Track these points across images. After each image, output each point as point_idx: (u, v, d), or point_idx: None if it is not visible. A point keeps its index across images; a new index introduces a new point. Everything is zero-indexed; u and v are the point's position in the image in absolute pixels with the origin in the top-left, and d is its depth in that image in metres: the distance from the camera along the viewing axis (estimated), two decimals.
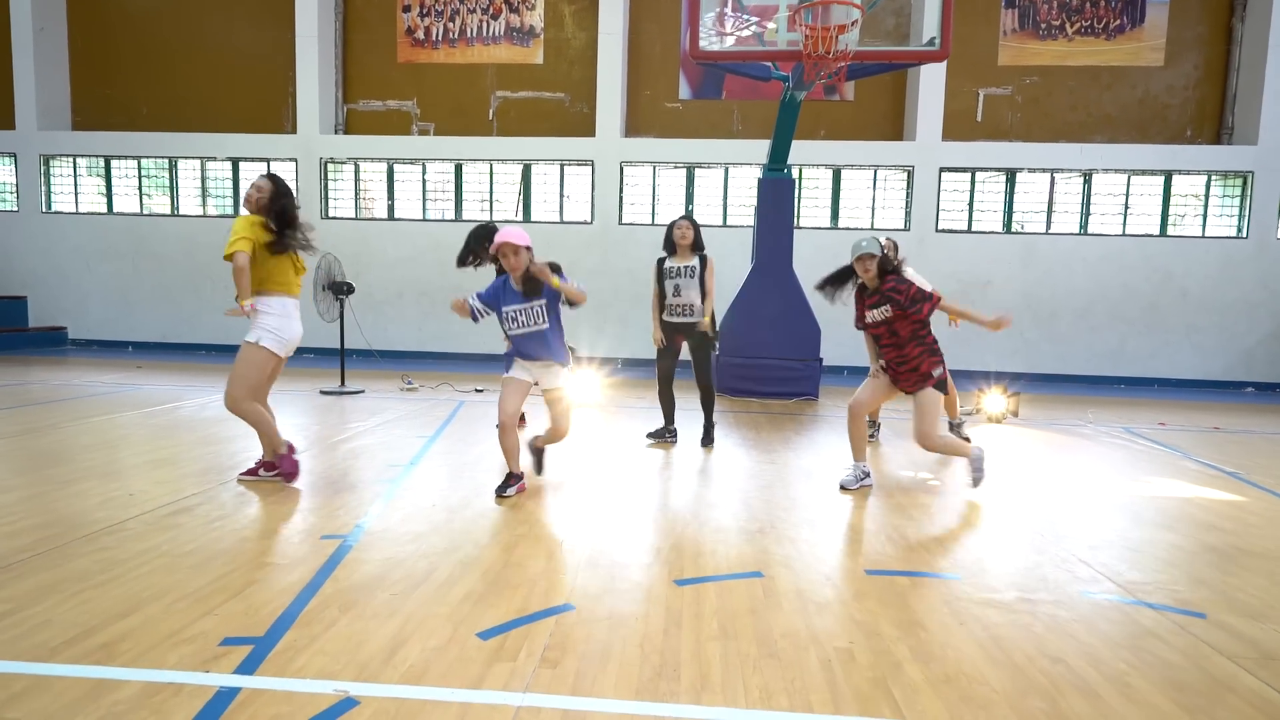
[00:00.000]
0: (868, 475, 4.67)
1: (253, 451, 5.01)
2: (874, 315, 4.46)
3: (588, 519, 3.81)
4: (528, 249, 4.00)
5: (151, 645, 2.30)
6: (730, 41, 7.14)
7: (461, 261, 5.99)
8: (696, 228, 5.69)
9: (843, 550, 3.44)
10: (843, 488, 4.60)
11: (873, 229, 12.09)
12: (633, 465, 5.13)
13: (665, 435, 5.96)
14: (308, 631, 2.42)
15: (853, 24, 5.88)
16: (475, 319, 4.14)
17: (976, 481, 4.51)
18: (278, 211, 4.16)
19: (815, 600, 2.83)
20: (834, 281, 4.57)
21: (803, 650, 2.41)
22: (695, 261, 5.64)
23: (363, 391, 8.37)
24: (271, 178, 4.24)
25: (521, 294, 4.07)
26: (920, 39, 6.42)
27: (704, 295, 5.61)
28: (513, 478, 4.21)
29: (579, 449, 5.60)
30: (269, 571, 2.94)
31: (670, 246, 5.72)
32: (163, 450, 5.05)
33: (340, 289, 8.17)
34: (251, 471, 4.34)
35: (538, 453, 4.61)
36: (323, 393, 8.21)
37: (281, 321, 4.22)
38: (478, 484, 4.43)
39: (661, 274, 5.75)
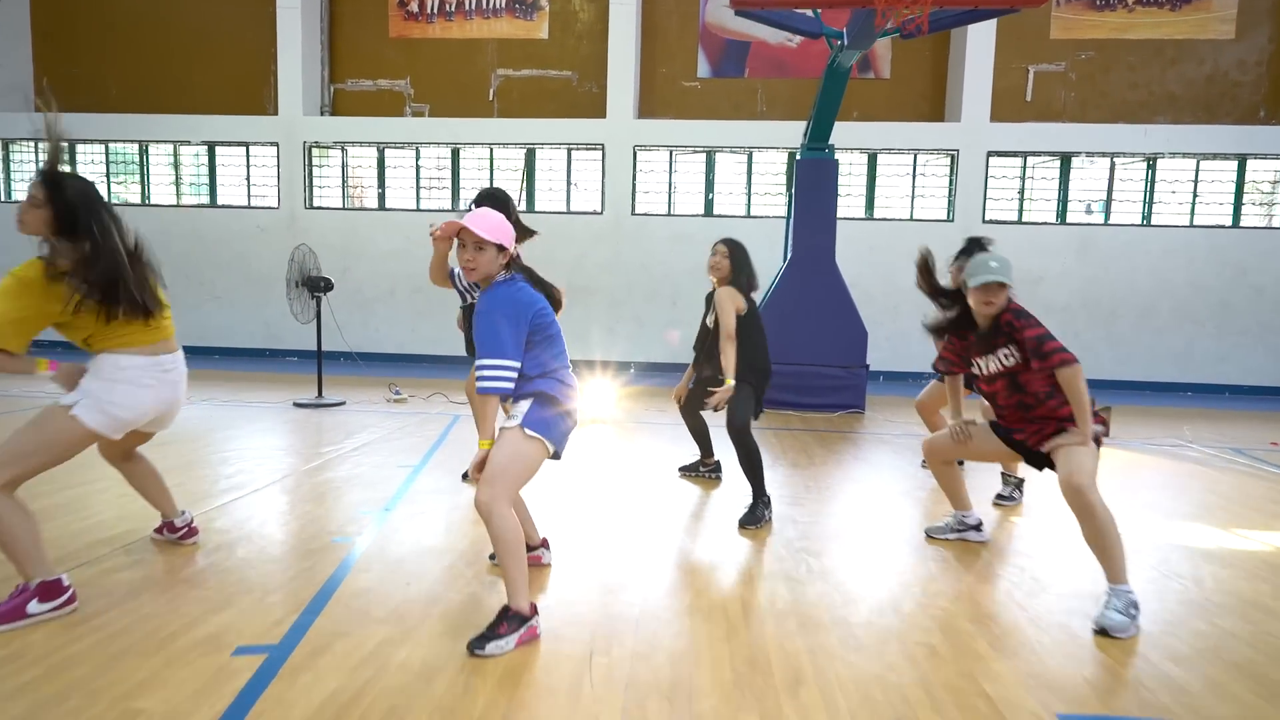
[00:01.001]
0: (973, 528, 3.57)
1: (198, 489, 3.91)
2: (990, 365, 3.09)
3: (620, 608, 2.70)
4: (498, 247, 2.43)
5: None
6: None
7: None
8: (734, 251, 4.08)
9: (1007, 670, 2.33)
10: (929, 536, 3.58)
11: (912, 219, 10.96)
12: (668, 510, 4.03)
13: (701, 470, 4.73)
14: None
15: None
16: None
17: (1118, 629, 2.58)
18: (69, 230, 2.43)
19: None
20: (951, 327, 3.22)
21: None
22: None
23: (343, 403, 7.28)
24: (48, 181, 2.43)
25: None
26: None
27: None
28: (507, 620, 2.37)
29: (593, 487, 4.50)
30: None
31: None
32: (71, 491, 3.95)
33: (316, 285, 7.08)
34: (159, 529, 3.25)
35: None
36: (296, 405, 7.11)
37: (116, 389, 2.55)
38: (473, 546, 3.33)
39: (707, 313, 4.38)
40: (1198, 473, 5.36)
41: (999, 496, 4.35)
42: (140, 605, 2.58)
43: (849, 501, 4.34)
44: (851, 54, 6.13)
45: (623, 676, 2.21)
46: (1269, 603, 2.94)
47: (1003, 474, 4.40)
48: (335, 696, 2.05)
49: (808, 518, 3.93)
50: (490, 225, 2.41)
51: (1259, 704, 2.16)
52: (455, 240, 2.48)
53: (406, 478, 4.50)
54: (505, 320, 2.39)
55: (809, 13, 6.28)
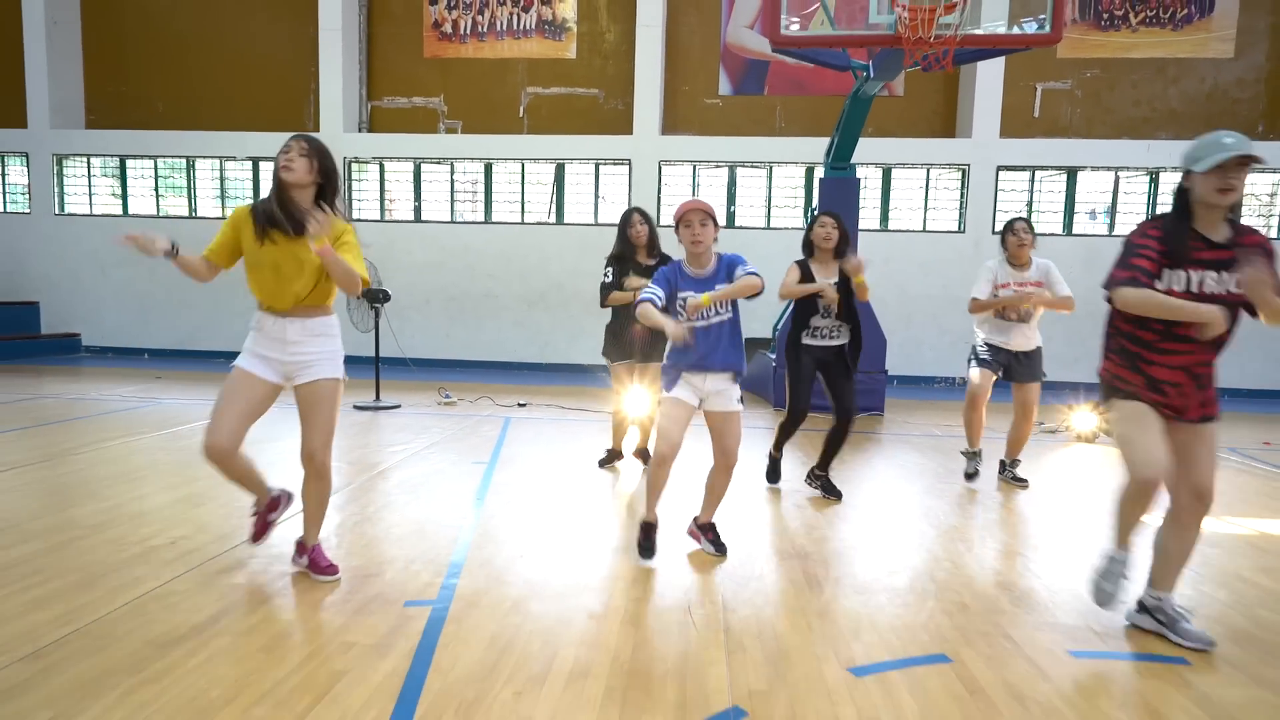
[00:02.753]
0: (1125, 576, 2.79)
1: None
2: (1216, 281, 2.51)
3: (707, 573, 3.25)
4: (716, 223, 3.23)
5: None
6: (797, 28, 6.58)
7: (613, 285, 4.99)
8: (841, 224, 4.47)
9: (1027, 620, 2.87)
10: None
11: (925, 231, 11.50)
12: (746, 502, 4.58)
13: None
14: None
15: (950, 6, 5.32)
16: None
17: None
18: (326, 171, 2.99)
19: (1035, 699, 2.27)
20: (1176, 221, 2.57)
21: None
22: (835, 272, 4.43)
23: (399, 406, 7.85)
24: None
25: (694, 275, 3.26)
26: (1027, 20, 5.86)
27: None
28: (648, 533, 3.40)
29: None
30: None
31: (810, 248, 4.51)
32: (195, 485, 4.51)
33: (376, 297, 7.66)
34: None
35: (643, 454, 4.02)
36: (356, 407, 7.68)
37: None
38: (556, 528, 3.87)
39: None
40: None
41: (969, 476, 5.02)
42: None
43: (884, 493, 4.88)
44: (876, 84, 6.68)
45: (718, 622, 2.76)
46: (1247, 574, 3.47)
47: (970, 452, 5.07)
48: (496, 639, 2.59)
49: (854, 505, 4.48)
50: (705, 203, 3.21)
51: (1228, 646, 2.70)
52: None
53: (484, 473, 5.05)
54: None
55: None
